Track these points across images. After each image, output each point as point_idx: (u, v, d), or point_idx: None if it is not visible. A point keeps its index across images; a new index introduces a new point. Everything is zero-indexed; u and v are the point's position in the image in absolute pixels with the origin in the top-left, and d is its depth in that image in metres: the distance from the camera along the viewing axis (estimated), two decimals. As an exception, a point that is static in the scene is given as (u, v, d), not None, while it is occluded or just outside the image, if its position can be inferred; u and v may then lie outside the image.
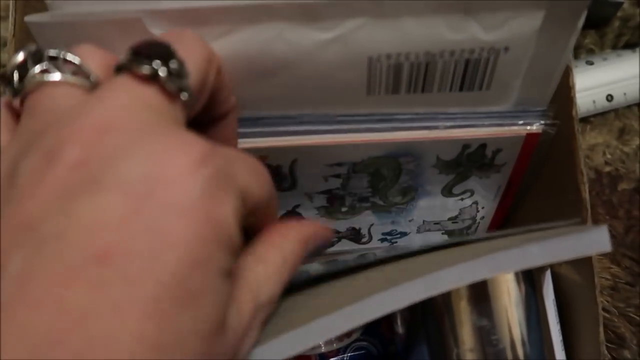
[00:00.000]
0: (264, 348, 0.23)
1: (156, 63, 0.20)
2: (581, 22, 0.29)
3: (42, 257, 0.16)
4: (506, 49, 0.29)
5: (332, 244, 0.41)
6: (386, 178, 0.36)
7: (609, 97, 0.53)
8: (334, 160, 0.34)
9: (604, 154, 0.53)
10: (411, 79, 0.30)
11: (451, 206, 0.40)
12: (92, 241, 0.16)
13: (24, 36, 0.31)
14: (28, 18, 0.26)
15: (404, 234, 0.43)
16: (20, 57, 0.21)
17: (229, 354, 0.20)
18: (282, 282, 0.24)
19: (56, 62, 0.21)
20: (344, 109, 0.32)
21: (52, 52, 0.21)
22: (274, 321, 0.28)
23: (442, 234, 0.44)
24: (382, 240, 0.44)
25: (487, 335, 0.32)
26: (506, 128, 0.33)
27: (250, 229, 0.23)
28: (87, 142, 0.18)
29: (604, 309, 0.44)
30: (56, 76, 0.20)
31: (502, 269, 0.26)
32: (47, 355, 0.15)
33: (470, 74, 0.30)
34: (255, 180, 0.21)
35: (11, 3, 0.31)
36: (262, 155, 0.32)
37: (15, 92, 0.21)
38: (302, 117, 0.32)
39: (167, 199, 0.17)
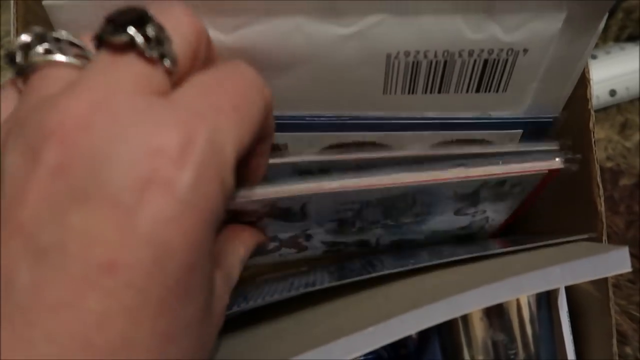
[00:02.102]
0: None
1: (131, 29, 0.19)
2: (602, 25, 0.29)
3: (48, 268, 0.16)
4: (525, 50, 0.29)
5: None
6: (400, 209, 0.34)
7: (612, 92, 0.53)
8: (346, 201, 0.32)
9: (606, 149, 0.53)
10: (429, 77, 0.30)
11: (462, 221, 0.39)
12: (93, 254, 0.16)
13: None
14: (46, 2, 0.26)
15: (412, 241, 0.42)
16: (26, 37, 0.20)
17: (213, 334, 0.22)
18: (239, 274, 0.27)
19: (60, 45, 0.20)
20: (359, 109, 0.31)
21: (57, 34, 0.20)
22: (292, 331, 0.28)
23: (451, 237, 0.43)
24: (390, 246, 0.43)
25: (503, 350, 0.32)
26: (527, 165, 0.32)
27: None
28: (66, 140, 0.17)
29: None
30: (57, 57, 0.20)
31: (524, 292, 0.26)
32: (77, 356, 0.16)
33: (488, 74, 0.30)
34: (248, 121, 0.21)
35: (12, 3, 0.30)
36: (271, 200, 0.30)
37: (19, 72, 0.20)
38: (313, 118, 0.31)
39: (159, 207, 0.17)
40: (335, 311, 0.30)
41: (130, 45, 0.19)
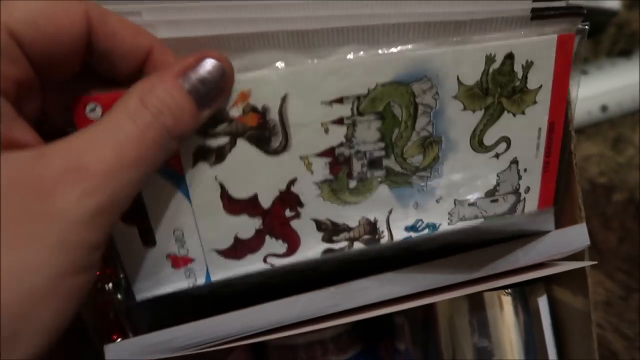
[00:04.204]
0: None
1: None
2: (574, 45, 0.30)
3: None
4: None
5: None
6: (400, 121, 0.30)
7: (604, 108, 0.54)
8: (333, 92, 0.28)
9: (599, 164, 0.53)
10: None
11: (486, 169, 0.33)
12: None
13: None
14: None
15: (432, 227, 0.33)
16: None
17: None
18: (135, 130, 0.22)
19: None
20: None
21: None
22: None
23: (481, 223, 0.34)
24: (407, 240, 0.33)
25: (487, 356, 0.33)
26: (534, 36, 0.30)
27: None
28: None
29: (597, 325, 0.44)
30: None
31: (485, 269, 0.28)
32: None
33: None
34: None
35: None
36: (244, 91, 0.27)
37: None
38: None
39: None
40: None
41: None
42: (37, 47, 0.21)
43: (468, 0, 0.28)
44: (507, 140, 0.32)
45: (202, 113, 0.24)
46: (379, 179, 0.31)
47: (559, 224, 0.34)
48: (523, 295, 0.34)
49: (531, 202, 0.34)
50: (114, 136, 0.21)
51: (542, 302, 0.34)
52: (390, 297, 0.28)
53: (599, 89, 0.54)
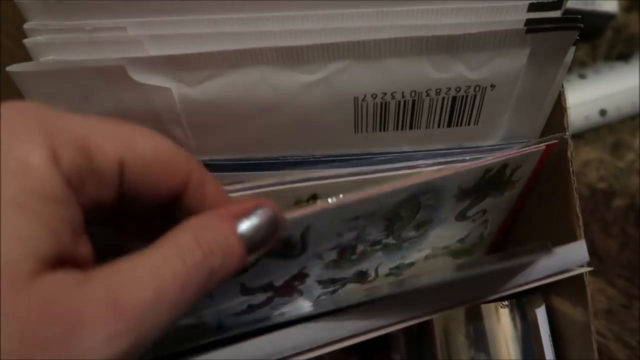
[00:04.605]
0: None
1: None
2: (569, 56, 0.29)
3: None
4: (492, 86, 0.29)
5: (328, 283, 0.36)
6: (404, 218, 0.32)
7: (602, 112, 0.53)
8: (351, 215, 0.29)
9: (598, 169, 0.52)
10: (398, 116, 0.30)
11: (463, 229, 0.38)
12: None
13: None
14: (10, 68, 0.26)
15: (411, 264, 0.40)
16: None
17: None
18: (183, 270, 0.20)
19: None
20: (332, 147, 0.31)
21: None
22: None
23: (448, 256, 0.41)
24: (389, 275, 0.39)
25: None
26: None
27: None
28: None
29: (598, 333, 0.44)
30: None
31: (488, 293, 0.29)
32: None
33: (458, 110, 0.30)
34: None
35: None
36: None
37: None
38: (286, 157, 0.31)
39: None
40: None
41: None
42: (134, 182, 0.21)
43: (461, 10, 0.27)
44: (484, 211, 0.36)
45: (248, 258, 0.23)
46: (376, 250, 0.35)
47: (556, 233, 0.35)
48: (521, 306, 0.34)
49: (489, 240, 0.41)
50: (159, 273, 0.19)
51: (541, 313, 0.34)
52: (387, 323, 0.28)
53: (597, 93, 0.54)
